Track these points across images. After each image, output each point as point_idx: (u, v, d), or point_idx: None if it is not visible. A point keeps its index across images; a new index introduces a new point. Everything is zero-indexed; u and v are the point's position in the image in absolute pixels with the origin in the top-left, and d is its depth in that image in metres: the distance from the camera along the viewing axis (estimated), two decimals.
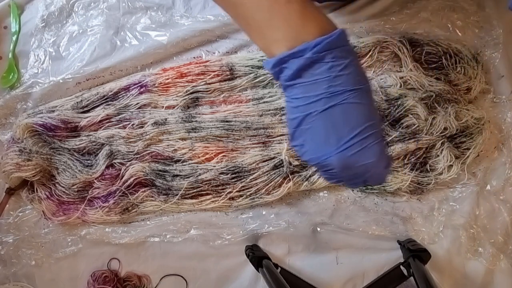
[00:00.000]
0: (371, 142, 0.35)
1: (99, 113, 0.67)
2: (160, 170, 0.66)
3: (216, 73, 0.66)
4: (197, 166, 0.65)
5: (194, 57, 0.71)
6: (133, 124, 0.67)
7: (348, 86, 0.34)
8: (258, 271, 0.61)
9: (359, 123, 0.34)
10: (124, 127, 0.67)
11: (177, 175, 0.65)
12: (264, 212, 0.66)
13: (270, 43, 0.35)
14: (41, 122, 0.66)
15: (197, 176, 0.65)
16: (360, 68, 0.36)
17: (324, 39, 0.33)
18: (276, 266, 0.62)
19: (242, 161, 0.65)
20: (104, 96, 0.68)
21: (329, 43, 0.33)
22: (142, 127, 0.67)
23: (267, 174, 0.64)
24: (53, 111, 0.68)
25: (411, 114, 0.63)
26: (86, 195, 0.67)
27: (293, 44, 0.34)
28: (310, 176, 0.63)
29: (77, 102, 0.69)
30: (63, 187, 0.67)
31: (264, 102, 0.66)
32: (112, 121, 0.67)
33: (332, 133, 0.34)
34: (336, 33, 0.34)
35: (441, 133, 0.62)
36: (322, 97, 0.34)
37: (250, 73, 0.66)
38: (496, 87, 0.66)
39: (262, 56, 0.66)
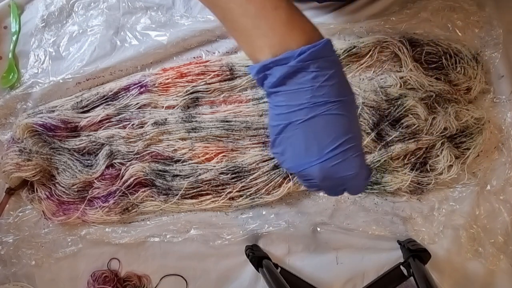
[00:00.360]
0: (352, 155, 0.35)
1: (99, 113, 0.67)
2: (160, 170, 0.66)
3: (216, 73, 0.66)
4: (197, 166, 0.65)
5: (194, 57, 0.71)
6: (133, 124, 0.67)
7: (331, 97, 0.34)
8: (258, 271, 0.61)
9: (340, 135, 0.34)
10: (124, 127, 0.67)
11: (177, 175, 0.65)
12: (264, 212, 0.66)
13: (255, 49, 0.35)
14: (41, 122, 0.66)
15: (197, 176, 0.65)
16: (344, 79, 0.36)
17: (309, 48, 0.33)
18: (276, 266, 0.62)
19: (242, 161, 0.65)
20: (104, 96, 0.68)
21: (314, 52, 0.33)
22: (142, 127, 0.67)
23: (267, 174, 0.64)
24: (53, 111, 0.68)
25: (411, 114, 0.63)
26: (86, 195, 0.67)
27: (278, 51, 0.34)
28: None
29: (77, 102, 0.69)
30: (63, 187, 0.67)
31: (264, 102, 0.66)
32: (112, 121, 0.67)
33: (313, 143, 0.34)
34: (322, 42, 0.34)
35: (441, 133, 0.62)
36: (305, 106, 0.34)
37: (250, 73, 0.66)
38: (496, 87, 0.66)
39: None
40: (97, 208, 0.66)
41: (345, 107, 0.34)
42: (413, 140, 0.62)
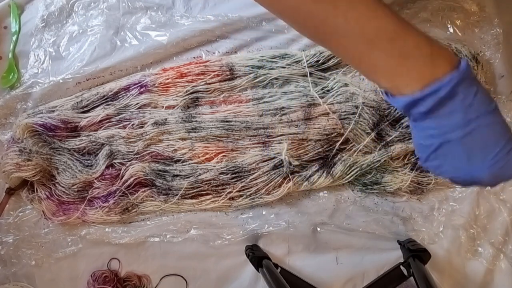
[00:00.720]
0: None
1: (99, 113, 0.67)
2: (160, 170, 0.66)
3: (216, 73, 0.66)
4: (197, 166, 0.65)
5: (194, 57, 0.71)
6: (133, 124, 0.67)
7: (481, 110, 0.36)
8: (258, 271, 0.61)
9: (499, 140, 0.37)
10: (124, 127, 0.67)
11: (177, 175, 0.65)
12: (264, 212, 0.66)
13: (399, 84, 0.37)
14: (41, 122, 0.66)
15: (197, 176, 0.65)
16: (484, 89, 0.38)
17: (455, 75, 0.35)
18: (276, 266, 0.62)
19: (242, 161, 0.65)
20: (104, 96, 0.68)
21: (460, 77, 0.35)
22: (142, 127, 0.67)
23: (267, 174, 0.64)
24: (53, 111, 0.68)
25: None
26: (86, 195, 0.67)
27: (427, 83, 0.35)
28: (310, 176, 0.63)
29: (77, 102, 0.69)
30: (63, 187, 0.67)
31: (264, 102, 0.66)
32: (112, 121, 0.67)
33: (474, 153, 0.37)
34: (464, 65, 0.35)
35: None
36: (459, 126, 0.36)
37: (250, 73, 0.66)
38: (496, 87, 0.66)
39: (262, 56, 0.66)
40: (97, 208, 0.66)
41: (494, 114, 0.37)
42: None
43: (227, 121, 0.65)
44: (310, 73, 0.65)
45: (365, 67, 0.39)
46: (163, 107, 0.67)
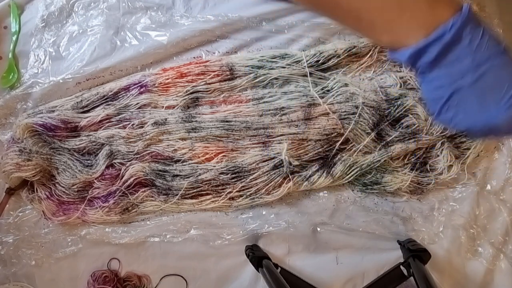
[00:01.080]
0: None
1: (99, 113, 0.67)
2: (160, 170, 0.66)
3: (216, 73, 0.66)
4: (197, 166, 0.65)
5: (194, 57, 0.71)
6: (133, 124, 0.67)
7: (490, 52, 0.35)
8: (258, 271, 0.61)
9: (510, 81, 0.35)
10: (124, 127, 0.67)
11: (177, 175, 0.65)
12: (264, 212, 0.66)
13: (401, 36, 0.35)
14: (41, 122, 0.66)
15: (197, 176, 0.65)
16: (492, 32, 0.36)
17: (458, 18, 0.34)
18: (276, 266, 0.62)
19: (242, 161, 0.65)
20: (104, 96, 0.68)
21: (464, 20, 0.34)
22: (142, 127, 0.67)
23: (267, 174, 0.64)
24: (53, 111, 0.68)
25: (411, 114, 0.63)
26: (86, 195, 0.67)
27: (429, 30, 0.34)
28: (310, 176, 0.63)
29: (77, 102, 0.69)
30: (63, 187, 0.67)
31: (264, 102, 0.66)
32: (112, 121, 0.67)
33: (488, 98, 0.35)
34: (466, 8, 0.34)
35: (441, 133, 0.62)
36: (469, 71, 0.35)
37: (250, 73, 0.66)
38: None
39: (262, 56, 0.66)
40: (97, 208, 0.66)
41: (504, 55, 0.35)
42: (413, 140, 0.62)
43: (227, 121, 0.65)
44: (310, 73, 0.65)
45: (365, 25, 0.37)
46: (163, 107, 0.67)
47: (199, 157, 0.66)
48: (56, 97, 0.71)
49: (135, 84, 0.68)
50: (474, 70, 0.35)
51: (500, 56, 0.35)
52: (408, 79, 0.65)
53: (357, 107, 0.62)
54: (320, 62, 0.66)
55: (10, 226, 0.69)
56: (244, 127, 0.65)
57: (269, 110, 0.65)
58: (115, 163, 0.67)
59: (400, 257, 0.63)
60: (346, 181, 0.64)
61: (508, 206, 0.62)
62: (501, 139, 0.40)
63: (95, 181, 0.67)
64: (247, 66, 0.66)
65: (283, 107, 0.64)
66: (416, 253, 0.59)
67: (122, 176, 0.66)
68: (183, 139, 0.66)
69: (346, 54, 0.66)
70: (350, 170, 0.63)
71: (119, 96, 0.68)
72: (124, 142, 0.67)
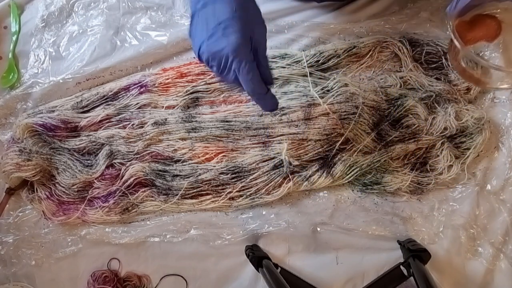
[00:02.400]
0: (231, 31, 0.42)
1: (99, 113, 0.67)
2: (160, 170, 0.66)
3: None
4: (197, 166, 0.65)
5: (194, 57, 0.71)
6: (133, 124, 0.67)
7: None
8: (258, 271, 0.61)
9: (222, 18, 0.42)
10: (124, 127, 0.67)
11: (177, 175, 0.65)
12: (264, 212, 0.66)
13: None
14: (41, 122, 0.66)
15: (197, 176, 0.65)
16: None
17: None
18: (276, 266, 0.62)
19: (242, 161, 0.65)
20: (104, 96, 0.69)
21: None
22: (142, 127, 0.67)
23: (267, 174, 0.64)
24: (53, 111, 0.68)
25: (411, 114, 0.63)
26: (86, 195, 0.67)
27: None
28: (310, 176, 0.63)
29: (77, 102, 0.69)
30: (63, 187, 0.67)
31: None
32: (112, 121, 0.67)
33: (204, 25, 0.43)
34: None
35: (441, 133, 0.62)
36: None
37: None
38: None
39: None
40: (97, 208, 0.66)
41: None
42: (413, 140, 0.62)
43: (227, 121, 0.65)
44: (310, 73, 0.65)
45: None
46: (163, 107, 0.67)
47: (199, 157, 0.66)
48: (56, 97, 0.71)
49: (135, 84, 0.68)
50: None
51: None
52: (408, 79, 0.65)
53: (357, 107, 0.62)
54: (320, 62, 0.66)
55: (10, 226, 0.69)
56: (244, 127, 0.65)
57: None
58: (115, 163, 0.67)
59: (400, 257, 0.63)
60: (346, 181, 0.64)
61: (508, 206, 0.62)
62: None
63: (95, 181, 0.67)
64: None
65: (283, 107, 0.64)
66: (416, 253, 0.59)
67: (122, 176, 0.66)
68: (183, 139, 0.66)
69: (346, 54, 0.66)
70: (350, 170, 0.63)
71: (119, 96, 0.69)
72: (124, 142, 0.67)
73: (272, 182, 0.64)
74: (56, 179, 0.68)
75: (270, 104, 0.48)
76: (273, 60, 0.66)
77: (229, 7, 0.42)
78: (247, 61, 0.43)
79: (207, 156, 0.66)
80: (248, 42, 0.43)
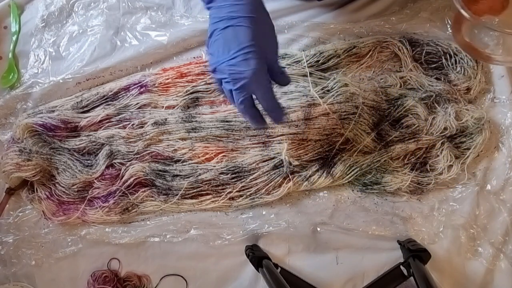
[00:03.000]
0: (251, 56, 0.46)
1: (99, 113, 0.67)
2: (160, 170, 0.66)
3: None
4: (197, 166, 0.65)
5: (194, 57, 0.71)
6: (133, 124, 0.67)
7: (243, 13, 0.46)
8: (258, 271, 0.61)
9: (244, 42, 0.45)
10: (124, 127, 0.67)
11: (177, 175, 0.65)
12: (264, 212, 0.66)
13: None
14: (41, 122, 0.66)
15: (197, 176, 0.65)
16: (259, 3, 0.48)
17: None
18: (276, 266, 0.62)
19: (242, 161, 0.65)
20: (104, 96, 0.69)
21: None
22: (142, 127, 0.67)
23: (267, 174, 0.64)
24: (53, 111, 0.68)
25: (411, 114, 0.63)
26: (86, 195, 0.67)
27: None
28: (310, 176, 0.63)
29: (77, 102, 0.69)
30: (63, 187, 0.67)
31: None
32: (112, 121, 0.67)
33: (226, 46, 0.46)
34: None
35: (441, 133, 0.62)
36: (224, 18, 0.47)
37: None
38: (496, 87, 0.66)
39: None
40: (97, 208, 0.66)
41: (252, 22, 0.46)
42: (413, 140, 0.62)
43: (227, 121, 0.65)
44: (310, 73, 0.65)
45: None
46: (163, 107, 0.67)
47: (199, 157, 0.66)
48: (56, 97, 0.71)
49: (135, 84, 0.68)
50: (226, 20, 0.46)
51: (249, 20, 0.46)
52: (408, 79, 0.65)
53: (357, 107, 0.62)
54: (320, 62, 0.66)
55: (10, 226, 0.69)
56: (244, 127, 0.65)
57: None
58: (115, 163, 0.67)
59: (400, 257, 0.63)
60: (346, 181, 0.64)
61: (508, 206, 0.62)
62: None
63: (95, 181, 0.67)
64: None
65: (283, 107, 0.64)
66: (416, 253, 0.59)
67: (122, 176, 0.66)
68: (183, 139, 0.66)
69: (346, 54, 0.66)
70: (350, 170, 0.63)
71: (119, 96, 0.69)
72: (124, 142, 0.67)
73: (272, 182, 0.64)
74: (56, 179, 0.68)
75: (280, 116, 0.53)
76: None
77: (250, 31, 0.46)
78: (264, 83, 0.49)
79: (207, 156, 0.66)
80: (265, 65, 0.48)
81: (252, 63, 0.46)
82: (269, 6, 0.69)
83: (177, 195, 0.65)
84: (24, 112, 0.70)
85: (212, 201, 0.65)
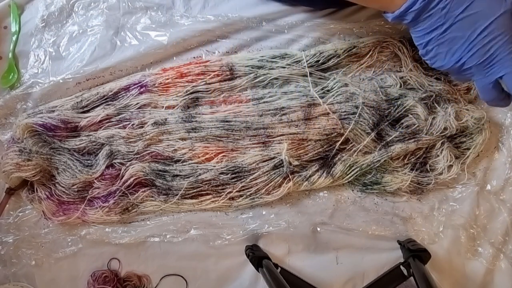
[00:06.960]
0: (493, 38, 0.45)
1: (99, 113, 0.67)
2: (160, 170, 0.66)
3: (216, 73, 0.66)
4: (197, 166, 0.65)
5: (194, 57, 0.71)
6: (133, 124, 0.67)
7: (455, 10, 0.45)
8: (258, 271, 0.61)
9: (480, 28, 0.44)
10: (124, 127, 0.67)
11: (177, 175, 0.65)
12: (264, 212, 0.66)
13: (387, 4, 0.50)
14: (41, 122, 0.66)
15: (197, 176, 0.65)
16: None
17: None
18: (276, 266, 0.62)
19: (242, 161, 0.65)
20: (104, 96, 0.68)
21: None
22: (142, 127, 0.67)
23: (267, 174, 0.64)
24: (53, 111, 0.68)
25: (411, 114, 0.63)
26: (86, 195, 0.67)
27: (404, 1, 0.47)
28: (310, 176, 0.63)
29: (77, 102, 0.69)
30: (63, 187, 0.67)
31: (264, 102, 0.66)
32: (112, 121, 0.67)
33: (457, 42, 0.47)
34: None
35: (441, 133, 0.62)
36: (438, 26, 0.47)
37: (250, 73, 0.66)
38: None
39: (262, 56, 0.66)
40: (97, 208, 0.66)
41: (463, 13, 0.45)
42: (413, 140, 0.62)
43: (227, 121, 0.65)
44: (310, 73, 0.65)
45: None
46: (163, 107, 0.67)
47: (199, 157, 0.66)
48: (56, 97, 0.71)
49: (135, 84, 0.68)
50: (442, 24, 0.47)
51: (466, 12, 0.45)
52: (408, 79, 0.65)
53: (357, 107, 0.62)
54: (320, 62, 0.66)
55: (10, 226, 0.69)
56: (244, 127, 0.65)
57: (269, 110, 0.65)
58: (115, 163, 0.67)
59: (400, 257, 0.63)
60: (346, 181, 0.64)
61: (508, 206, 0.62)
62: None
63: (95, 181, 0.67)
64: (247, 66, 0.66)
65: (283, 107, 0.64)
66: (416, 253, 0.59)
67: (122, 176, 0.66)
68: (183, 139, 0.66)
69: (346, 54, 0.66)
70: (350, 170, 0.63)
71: (119, 96, 0.68)
72: (124, 142, 0.67)
73: (272, 182, 0.64)
74: (56, 179, 0.68)
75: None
76: (273, 60, 0.66)
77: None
78: None
79: (207, 156, 0.66)
80: None
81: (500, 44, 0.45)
82: (269, 7, 0.70)
83: (177, 195, 0.65)
84: (24, 112, 0.70)
85: (212, 201, 0.65)
